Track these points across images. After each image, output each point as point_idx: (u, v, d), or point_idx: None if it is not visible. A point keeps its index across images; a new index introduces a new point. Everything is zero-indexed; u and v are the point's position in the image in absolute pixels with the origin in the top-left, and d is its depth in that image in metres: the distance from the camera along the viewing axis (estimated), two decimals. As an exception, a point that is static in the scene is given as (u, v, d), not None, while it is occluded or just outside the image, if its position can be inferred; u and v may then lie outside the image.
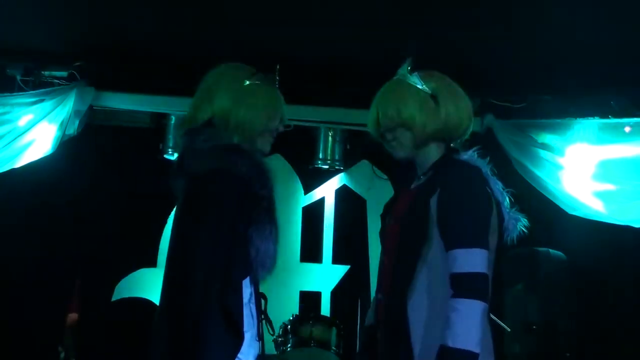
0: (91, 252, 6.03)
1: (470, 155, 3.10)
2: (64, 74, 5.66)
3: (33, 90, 5.56)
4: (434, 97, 3.05)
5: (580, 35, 5.02)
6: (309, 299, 6.39)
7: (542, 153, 5.77)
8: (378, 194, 6.73)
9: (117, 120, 6.03)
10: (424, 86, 3.08)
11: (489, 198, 2.98)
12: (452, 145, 3.20)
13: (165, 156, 6.12)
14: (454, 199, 2.95)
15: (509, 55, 5.36)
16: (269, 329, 4.43)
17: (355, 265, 6.60)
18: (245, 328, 2.80)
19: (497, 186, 3.09)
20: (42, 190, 5.70)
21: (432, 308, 2.87)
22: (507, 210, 3.10)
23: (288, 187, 6.50)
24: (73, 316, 5.58)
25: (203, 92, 3.14)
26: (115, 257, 6.22)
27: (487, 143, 5.74)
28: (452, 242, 2.86)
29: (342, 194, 6.77)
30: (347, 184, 6.80)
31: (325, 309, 6.41)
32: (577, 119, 5.74)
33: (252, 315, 2.88)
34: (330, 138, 6.31)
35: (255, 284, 2.96)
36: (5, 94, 5.49)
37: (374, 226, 6.59)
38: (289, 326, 5.15)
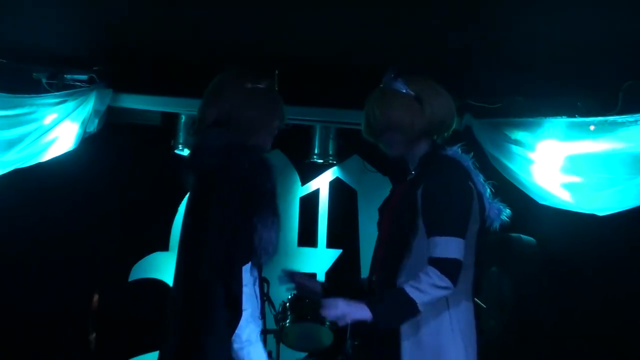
0: (110, 237, 6.04)
1: (454, 151, 3.18)
2: (85, 77, 5.64)
3: (57, 92, 5.51)
4: (418, 98, 3.15)
5: (550, 43, 5.02)
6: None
7: (515, 148, 5.77)
8: (367, 185, 6.80)
9: (132, 119, 6.01)
10: (408, 90, 3.17)
11: (469, 191, 3.03)
12: (438, 141, 3.27)
13: (176, 151, 6.09)
14: (435, 192, 3.01)
15: (486, 61, 5.34)
16: (271, 308, 4.42)
17: (347, 249, 6.63)
18: (248, 307, 2.82)
19: (478, 178, 3.14)
20: (65, 182, 5.70)
21: None
22: (489, 200, 3.15)
23: (287, 180, 6.56)
24: (95, 298, 5.58)
25: (209, 96, 3.20)
26: (132, 242, 6.25)
27: (465, 139, 5.86)
28: (432, 230, 2.94)
29: (335, 185, 6.80)
30: (339, 176, 6.83)
31: (320, 288, 6.44)
32: (547, 118, 5.72)
33: (255, 297, 2.93)
34: (324, 135, 6.33)
35: (258, 268, 2.99)
36: (32, 95, 5.45)
37: (364, 214, 6.67)
38: (288, 304, 5.14)
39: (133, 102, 5.82)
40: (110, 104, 5.64)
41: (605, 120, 5.53)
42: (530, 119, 5.77)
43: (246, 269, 2.88)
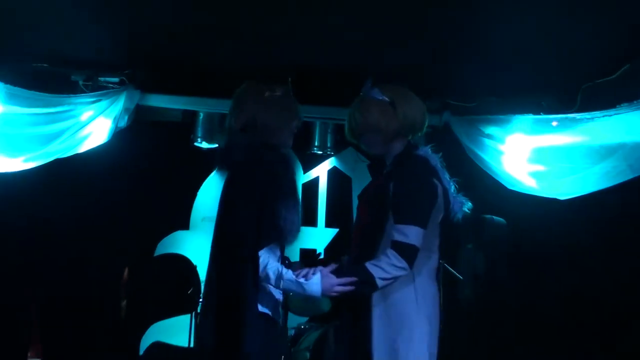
0: (138, 217, 6.06)
1: (425, 151, 3.22)
2: (116, 79, 5.64)
3: (92, 92, 5.52)
4: (392, 104, 3.16)
5: (519, 51, 5.03)
6: (308, 255, 6.43)
7: (488, 141, 5.78)
8: (360, 173, 6.76)
9: (157, 116, 6.02)
10: (382, 97, 3.17)
11: (434, 187, 3.08)
12: (412, 139, 3.28)
13: (195, 144, 6.11)
14: (403, 186, 3.08)
15: (463, 67, 5.34)
16: None
17: (342, 229, 6.68)
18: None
19: (444, 176, 3.17)
20: (99, 170, 5.69)
21: None
22: (453, 195, 3.19)
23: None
24: (126, 271, 5.64)
25: (235, 105, 3.27)
26: (156, 222, 6.28)
27: (445, 134, 5.95)
28: (397, 218, 2.99)
29: (333, 173, 6.86)
30: (336, 166, 6.88)
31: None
32: (515, 115, 5.73)
33: None
34: (323, 130, 6.36)
35: (281, 247, 3.14)
36: (70, 95, 5.44)
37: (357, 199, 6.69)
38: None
39: (158, 101, 5.83)
40: (138, 102, 5.65)
41: (566, 117, 5.53)
42: (501, 116, 5.77)
43: (272, 248, 3.01)
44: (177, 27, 4.94)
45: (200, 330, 3.28)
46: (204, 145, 6.12)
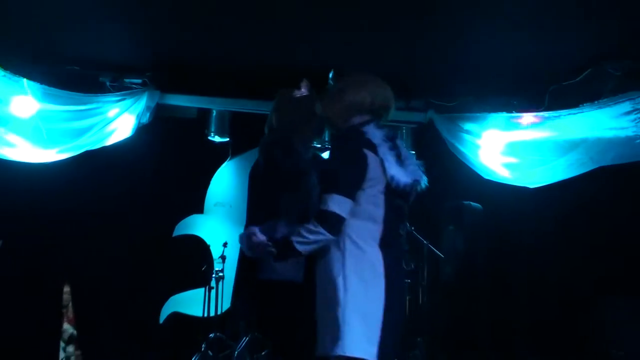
0: (158, 202, 6.04)
1: (369, 127, 2.96)
2: (139, 81, 5.64)
3: (118, 92, 5.53)
4: (340, 90, 3.01)
5: (494, 57, 5.07)
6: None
7: (466, 136, 5.81)
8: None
9: (175, 113, 6.02)
10: (334, 85, 3.06)
11: (361, 157, 2.84)
12: (382, 121, 3.06)
13: (208, 138, 6.13)
14: (327, 159, 3.10)
15: (445, 71, 5.38)
16: None
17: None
18: None
19: (384, 148, 2.90)
20: (124, 161, 5.65)
21: None
22: (396, 165, 2.89)
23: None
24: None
25: (270, 111, 3.38)
26: (174, 206, 6.28)
27: (429, 129, 5.97)
28: (322, 189, 2.88)
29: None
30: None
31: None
32: (491, 113, 5.76)
33: None
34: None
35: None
36: (99, 94, 5.46)
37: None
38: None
39: (175, 100, 5.84)
40: (158, 101, 5.65)
41: (536, 115, 5.56)
42: (478, 114, 5.79)
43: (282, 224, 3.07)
44: (193, 36, 4.98)
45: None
46: (217, 139, 6.16)
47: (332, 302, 2.79)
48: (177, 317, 6.16)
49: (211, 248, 6.21)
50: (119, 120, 5.53)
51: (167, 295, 6.17)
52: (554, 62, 5.15)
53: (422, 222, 5.51)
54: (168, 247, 6.16)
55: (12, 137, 5.15)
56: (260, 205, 3.17)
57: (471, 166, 5.74)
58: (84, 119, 5.40)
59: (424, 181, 2.99)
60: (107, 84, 5.61)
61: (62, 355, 5.84)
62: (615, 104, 4.94)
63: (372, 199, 2.87)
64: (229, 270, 5.92)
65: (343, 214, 2.81)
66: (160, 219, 6.14)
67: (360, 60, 5.17)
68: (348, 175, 2.84)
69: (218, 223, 6.39)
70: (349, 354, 2.72)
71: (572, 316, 5.54)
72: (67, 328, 5.86)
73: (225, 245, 5.90)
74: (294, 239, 2.83)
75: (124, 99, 5.53)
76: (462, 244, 5.58)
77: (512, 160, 5.75)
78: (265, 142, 3.21)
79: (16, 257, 5.13)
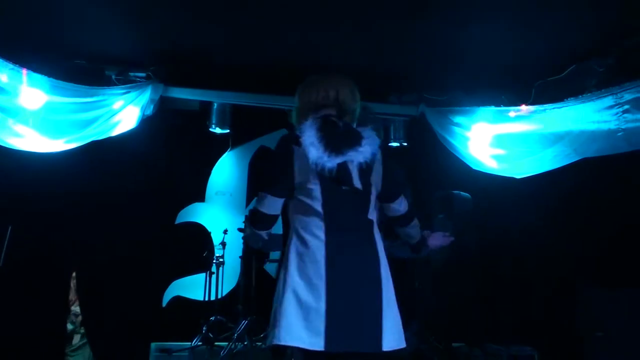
0: (161, 191, 6.00)
1: (304, 124, 2.83)
2: (143, 74, 5.67)
3: (123, 85, 5.54)
4: (298, 91, 2.98)
5: (483, 53, 5.11)
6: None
7: (456, 129, 5.84)
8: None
9: (178, 105, 6.03)
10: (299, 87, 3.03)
11: (283, 154, 2.78)
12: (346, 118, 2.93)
13: (210, 129, 6.15)
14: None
15: (436, 67, 5.42)
16: None
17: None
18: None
19: (310, 139, 2.76)
20: (129, 151, 5.65)
21: None
22: (321, 155, 2.73)
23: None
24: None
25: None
26: (177, 195, 6.27)
27: (421, 122, 5.99)
28: None
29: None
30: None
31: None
32: (480, 107, 5.79)
33: None
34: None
35: None
36: (105, 87, 5.48)
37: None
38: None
39: (178, 93, 5.86)
40: (162, 94, 5.68)
41: (522, 109, 5.62)
42: (467, 108, 5.84)
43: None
44: (194, 31, 5.01)
45: None
46: (218, 130, 6.19)
47: (276, 292, 2.75)
48: (180, 301, 6.19)
49: (212, 235, 6.24)
50: (124, 112, 5.54)
51: (169, 280, 6.18)
52: (540, 58, 5.20)
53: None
54: (171, 234, 6.17)
55: (20, 128, 5.15)
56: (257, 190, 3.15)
57: (461, 157, 5.78)
58: (90, 110, 5.41)
59: (363, 159, 2.76)
60: (113, 77, 5.63)
61: (76, 339, 5.89)
62: (599, 98, 5.00)
63: (308, 191, 2.76)
64: (229, 256, 5.99)
65: (264, 210, 2.79)
66: (163, 207, 6.13)
67: (353, 56, 5.20)
68: (271, 174, 2.81)
69: (219, 211, 6.42)
70: (276, 342, 2.65)
71: (556, 300, 5.60)
72: (77, 311, 5.92)
73: (225, 232, 5.95)
74: (244, 233, 2.85)
75: (128, 92, 5.55)
76: (452, 231, 5.47)
77: (499, 152, 5.81)
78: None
79: (24, 243, 5.13)
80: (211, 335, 5.55)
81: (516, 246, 5.91)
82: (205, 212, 6.46)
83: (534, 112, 5.51)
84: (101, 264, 5.70)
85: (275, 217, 2.83)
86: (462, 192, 5.70)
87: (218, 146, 6.47)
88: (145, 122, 5.62)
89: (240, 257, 5.98)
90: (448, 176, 5.86)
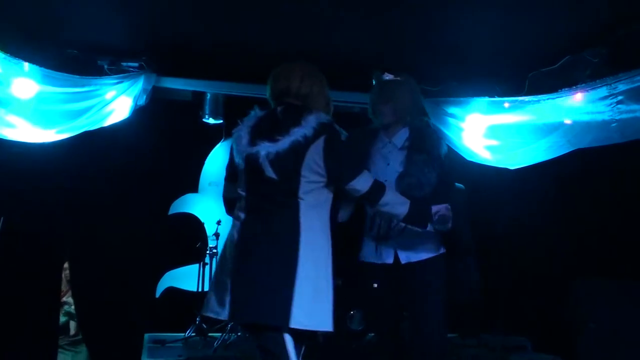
0: (154, 182, 5.98)
1: (247, 116, 3.09)
2: (136, 64, 5.57)
3: (115, 75, 5.47)
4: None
5: (477, 44, 5.09)
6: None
7: (450, 120, 5.82)
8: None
9: (170, 96, 5.99)
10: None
11: (231, 145, 3.09)
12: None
13: (203, 120, 6.11)
14: None
15: (431, 57, 5.36)
16: None
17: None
18: None
19: (242, 132, 3.01)
20: (121, 141, 5.60)
21: None
22: (241, 147, 2.98)
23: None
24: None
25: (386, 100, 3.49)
26: (170, 186, 6.27)
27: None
28: None
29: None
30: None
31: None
32: (474, 97, 5.77)
33: None
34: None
35: None
36: (97, 77, 5.40)
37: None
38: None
39: (171, 83, 5.81)
40: (154, 84, 5.61)
41: (516, 100, 5.59)
42: (461, 98, 5.80)
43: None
44: (187, 21, 4.96)
45: None
46: (211, 121, 6.14)
47: None
48: (173, 292, 6.19)
49: (205, 225, 6.23)
50: (117, 102, 5.48)
51: (163, 271, 6.18)
52: (533, 49, 5.16)
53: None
54: (164, 225, 6.17)
55: (12, 118, 5.09)
56: None
57: (455, 148, 5.74)
58: (82, 100, 5.34)
59: (280, 148, 2.87)
60: (105, 67, 5.52)
61: (73, 326, 5.87)
62: (593, 89, 4.95)
63: (239, 177, 3.01)
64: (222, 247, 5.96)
65: (224, 194, 3.16)
66: (157, 197, 6.10)
67: (346, 46, 5.17)
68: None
69: (212, 202, 6.40)
70: (201, 312, 3.02)
71: (549, 292, 5.59)
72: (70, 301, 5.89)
73: (219, 222, 5.93)
74: None
75: (121, 82, 5.47)
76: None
77: (493, 142, 5.78)
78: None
79: (16, 234, 5.09)
80: (205, 326, 5.54)
81: (509, 237, 5.89)
82: (198, 203, 6.45)
83: (528, 102, 5.47)
84: (93, 255, 5.67)
85: (232, 200, 3.05)
86: (456, 183, 5.66)
87: (211, 137, 6.44)
88: (138, 113, 5.54)
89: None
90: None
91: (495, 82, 5.83)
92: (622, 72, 4.69)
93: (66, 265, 5.86)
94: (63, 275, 5.90)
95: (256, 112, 3.05)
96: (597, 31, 4.84)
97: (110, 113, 5.48)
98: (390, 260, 3.38)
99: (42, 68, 5.15)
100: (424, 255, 3.35)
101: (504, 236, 5.89)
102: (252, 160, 2.91)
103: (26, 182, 5.27)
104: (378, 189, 2.97)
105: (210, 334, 5.50)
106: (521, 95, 5.57)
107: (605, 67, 4.94)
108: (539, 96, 5.41)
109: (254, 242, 2.85)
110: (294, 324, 2.71)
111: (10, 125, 5.07)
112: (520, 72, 5.60)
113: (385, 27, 4.90)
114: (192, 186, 6.46)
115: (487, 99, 5.75)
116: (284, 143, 2.87)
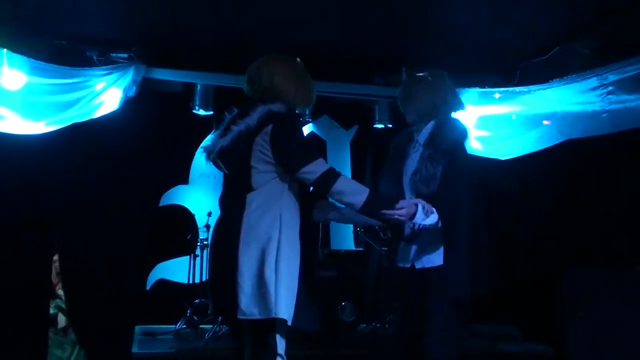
0: (144, 173, 5.99)
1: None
2: (126, 55, 5.54)
3: (105, 66, 5.43)
4: None
5: (468, 33, 5.07)
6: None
7: None
8: (334, 137, 6.88)
9: (160, 87, 5.95)
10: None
11: None
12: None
13: (193, 111, 6.08)
14: None
15: (421, 48, 5.36)
16: None
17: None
18: None
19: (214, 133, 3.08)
20: (111, 133, 5.53)
21: None
22: (207, 143, 3.05)
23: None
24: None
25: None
26: (161, 177, 6.28)
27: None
28: None
29: (311, 137, 6.81)
30: (314, 130, 6.92)
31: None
32: (465, 88, 5.72)
33: None
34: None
35: None
36: (86, 68, 5.35)
37: (331, 158, 6.75)
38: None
39: (161, 74, 5.76)
40: (144, 75, 5.57)
41: (507, 90, 5.60)
42: (452, 89, 5.79)
43: None
44: (177, 12, 4.92)
45: None
46: (201, 112, 6.11)
47: None
48: (164, 284, 6.18)
49: (196, 217, 6.21)
50: (106, 94, 5.44)
51: (153, 263, 6.17)
52: (524, 40, 5.17)
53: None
54: (155, 216, 6.16)
55: (2, 110, 5.03)
56: None
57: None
58: (72, 92, 5.31)
59: (225, 142, 2.89)
60: (94, 58, 5.50)
61: (62, 319, 5.82)
62: (583, 79, 4.95)
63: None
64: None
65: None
66: (147, 189, 6.11)
67: (337, 37, 5.15)
68: None
69: (203, 193, 6.38)
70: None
71: (539, 281, 5.60)
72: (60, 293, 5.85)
73: (209, 214, 5.91)
74: None
75: (110, 73, 5.44)
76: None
77: (484, 133, 5.77)
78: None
79: (4, 226, 5.05)
80: (196, 318, 5.54)
81: (499, 227, 5.78)
82: (189, 194, 6.44)
83: (519, 93, 5.47)
84: (84, 246, 5.63)
85: None
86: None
87: (202, 128, 6.34)
88: (128, 104, 5.52)
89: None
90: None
91: (486, 73, 5.83)
92: (613, 62, 4.69)
93: (56, 257, 5.81)
94: (53, 268, 5.85)
95: (232, 113, 3.04)
96: (587, 22, 4.84)
97: (100, 104, 5.43)
98: (408, 265, 3.26)
99: (30, 59, 5.09)
100: (437, 262, 3.18)
101: (493, 225, 5.82)
102: (208, 159, 2.99)
103: (15, 173, 5.22)
104: (330, 176, 2.80)
105: (201, 326, 5.49)
106: (512, 86, 5.57)
107: (596, 58, 4.94)
108: (530, 87, 5.41)
109: (214, 238, 2.97)
110: (241, 315, 2.73)
111: (0, 117, 5.02)
112: (511, 62, 5.60)
113: (377, 20, 4.88)
114: (183, 178, 6.46)
115: (477, 89, 5.74)
116: (228, 137, 2.87)
